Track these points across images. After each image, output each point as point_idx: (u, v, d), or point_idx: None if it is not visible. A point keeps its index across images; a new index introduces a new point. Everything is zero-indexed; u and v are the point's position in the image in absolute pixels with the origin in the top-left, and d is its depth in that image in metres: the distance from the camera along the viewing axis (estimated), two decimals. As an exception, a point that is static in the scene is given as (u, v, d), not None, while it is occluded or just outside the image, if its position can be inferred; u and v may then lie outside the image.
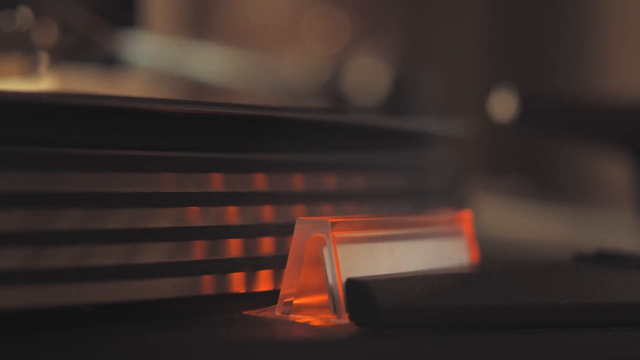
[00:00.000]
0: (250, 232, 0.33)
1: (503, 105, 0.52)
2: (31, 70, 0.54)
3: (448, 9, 1.26)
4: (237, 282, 0.33)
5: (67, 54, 0.57)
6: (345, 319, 0.31)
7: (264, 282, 0.34)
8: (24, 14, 0.55)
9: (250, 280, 0.33)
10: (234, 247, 0.33)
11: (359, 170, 0.38)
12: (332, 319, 0.31)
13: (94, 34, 0.59)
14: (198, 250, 0.32)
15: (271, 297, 0.33)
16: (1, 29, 0.54)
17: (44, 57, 0.54)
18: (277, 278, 0.34)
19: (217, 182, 0.33)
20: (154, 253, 0.31)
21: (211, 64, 0.67)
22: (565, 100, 0.62)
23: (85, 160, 0.30)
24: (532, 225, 0.74)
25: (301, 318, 0.32)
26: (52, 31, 0.56)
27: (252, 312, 0.33)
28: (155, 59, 0.64)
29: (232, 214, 0.33)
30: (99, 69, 0.60)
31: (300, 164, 0.35)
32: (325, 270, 0.31)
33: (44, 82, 0.54)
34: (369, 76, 0.69)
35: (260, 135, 0.34)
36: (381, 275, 0.32)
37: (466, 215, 0.37)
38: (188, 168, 0.32)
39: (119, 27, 0.61)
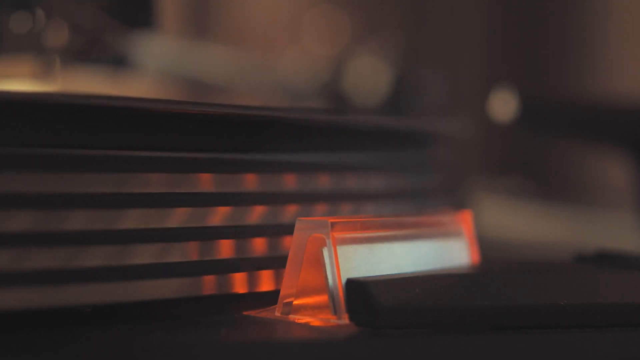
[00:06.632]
0: (251, 232, 0.33)
1: (503, 105, 0.52)
2: (43, 71, 0.54)
3: (448, 9, 1.26)
4: (237, 282, 0.33)
5: (77, 55, 0.57)
6: (345, 320, 0.31)
7: (264, 282, 0.33)
8: (36, 15, 0.55)
9: (250, 281, 0.33)
10: (235, 248, 0.33)
11: (359, 170, 0.38)
12: (332, 320, 0.31)
13: (104, 35, 0.59)
14: (198, 251, 0.32)
15: (271, 297, 0.33)
16: (13, 30, 0.54)
17: (55, 58, 0.54)
18: (277, 278, 0.34)
19: (216, 182, 0.33)
20: (154, 254, 0.31)
21: (212, 65, 0.67)
22: (565, 100, 0.62)
23: (91, 161, 0.30)
24: (533, 226, 0.74)
25: (301, 318, 0.32)
26: (63, 32, 0.56)
27: (252, 313, 0.33)
28: (165, 61, 0.64)
29: (232, 215, 0.33)
30: (109, 70, 0.59)
31: (300, 164, 0.35)
32: (325, 271, 0.31)
33: (56, 83, 0.54)
34: (369, 76, 0.68)
35: (261, 136, 0.34)
36: (381, 276, 0.32)
37: (466, 215, 0.37)
38: (190, 168, 0.32)
39: (129, 28, 0.61)
